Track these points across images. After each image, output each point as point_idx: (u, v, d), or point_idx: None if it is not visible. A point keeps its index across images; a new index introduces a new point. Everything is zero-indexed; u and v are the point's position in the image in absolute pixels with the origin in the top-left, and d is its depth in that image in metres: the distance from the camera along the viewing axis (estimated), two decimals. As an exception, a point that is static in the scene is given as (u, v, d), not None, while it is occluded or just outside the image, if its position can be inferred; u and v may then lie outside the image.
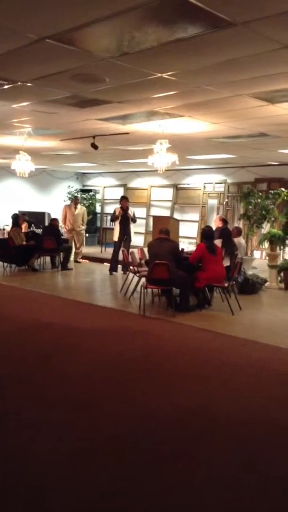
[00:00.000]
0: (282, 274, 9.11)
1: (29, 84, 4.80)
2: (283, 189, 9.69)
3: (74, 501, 2.45)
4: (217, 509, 2.43)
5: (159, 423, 3.36)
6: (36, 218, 13.47)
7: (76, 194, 14.38)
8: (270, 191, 10.31)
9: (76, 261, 11.94)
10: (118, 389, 4.00)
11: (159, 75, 4.31)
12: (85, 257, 12.51)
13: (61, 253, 10.87)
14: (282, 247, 9.52)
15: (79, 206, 12.18)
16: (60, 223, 11.62)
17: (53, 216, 12.27)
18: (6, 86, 4.91)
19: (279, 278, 9.15)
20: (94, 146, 8.04)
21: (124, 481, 2.64)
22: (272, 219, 9.61)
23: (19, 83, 4.76)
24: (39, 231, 11.50)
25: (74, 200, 12.31)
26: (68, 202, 12.95)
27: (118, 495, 2.52)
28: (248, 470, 2.79)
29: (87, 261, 12.42)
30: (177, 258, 6.96)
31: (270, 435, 3.25)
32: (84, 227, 12.31)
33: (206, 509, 2.43)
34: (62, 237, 11.22)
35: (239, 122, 6.48)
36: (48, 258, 11.14)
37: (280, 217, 9.43)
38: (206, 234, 7.36)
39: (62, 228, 11.68)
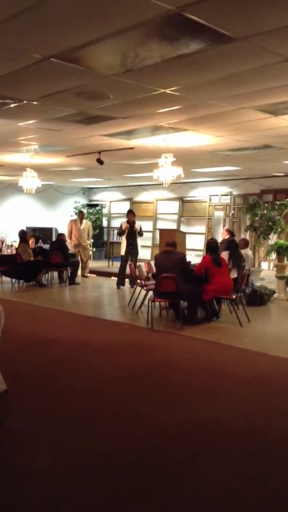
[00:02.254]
0: (290, 285, 9.06)
1: (35, 103, 4.88)
2: (289, 200, 9.71)
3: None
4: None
5: (167, 437, 3.33)
6: (43, 233, 13.55)
7: (81, 209, 14.46)
8: (276, 202, 10.31)
9: (83, 275, 11.96)
10: (125, 403, 3.98)
11: (163, 90, 4.36)
12: (92, 271, 12.53)
13: (69, 268, 10.90)
14: (289, 258, 9.47)
15: (84, 221, 12.24)
16: (66, 238, 11.68)
17: (60, 231, 12.33)
18: (12, 105, 4.99)
19: (287, 289, 9.10)
20: (100, 162, 8.11)
21: (132, 496, 2.61)
22: (279, 230, 9.61)
23: (25, 101, 4.84)
24: (47, 246, 11.56)
25: (80, 215, 12.38)
26: (74, 217, 13.03)
27: (126, 510, 2.49)
28: (257, 483, 2.76)
29: (95, 275, 12.44)
30: (184, 270, 6.95)
31: (279, 449, 3.21)
32: (90, 242, 12.35)
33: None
34: (69, 252, 11.26)
35: (243, 134, 6.52)
36: (55, 273, 11.17)
37: (287, 228, 9.42)
38: (211, 246, 7.36)
39: (69, 243, 11.73)
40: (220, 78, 3.98)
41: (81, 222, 12.04)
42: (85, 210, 14.96)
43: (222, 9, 2.68)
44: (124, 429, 3.46)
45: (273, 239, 9.97)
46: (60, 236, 11.32)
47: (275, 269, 9.50)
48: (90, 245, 12.69)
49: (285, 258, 9.30)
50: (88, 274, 12.21)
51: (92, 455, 3.07)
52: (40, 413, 3.75)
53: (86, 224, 12.18)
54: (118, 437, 3.33)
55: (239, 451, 3.15)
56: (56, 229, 14.45)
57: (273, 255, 9.54)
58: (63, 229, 12.62)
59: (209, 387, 4.39)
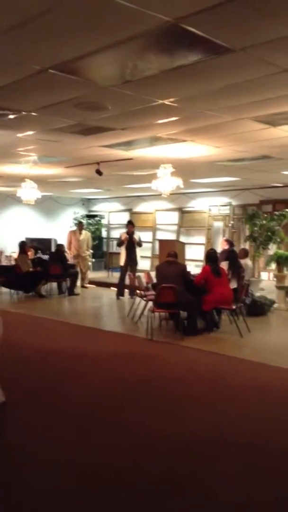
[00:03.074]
0: (290, 295, 9.03)
1: (33, 114, 4.90)
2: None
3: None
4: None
5: (167, 448, 3.29)
6: (42, 244, 13.55)
7: (81, 220, 14.48)
8: (275, 212, 10.32)
9: (83, 286, 11.93)
10: (126, 414, 3.94)
11: (161, 101, 4.38)
12: (91, 282, 12.50)
13: (68, 279, 10.88)
14: (289, 268, 9.46)
15: (83, 231, 12.25)
16: (65, 249, 11.68)
17: (59, 242, 12.33)
18: (11, 116, 5.01)
19: (287, 299, 9.07)
20: (99, 172, 8.13)
21: (132, 508, 2.57)
22: (278, 240, 9.60)
23: (23, 112, 4.86)
24: (46, 257, 11.54)
25: (79, 226, 12.40)
26: (73, 228, 13.04)
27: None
28: (258, 494, 2.71)
29: (94, 286, 12.41)
30: (185, 281, 6.94)
31: (280, 460, 3.17)
32: (89, 253, 12.34)
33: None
34: (68, 262, 11.24)
35: (242, 145, 6.54)
36: (55, 284, 11.14)
37: (286, 238, 9.42)
38: (210, 257, 7.35)
39: (68, 254, 11.73)
40: (218, 89, 4.00)
41: (80, 233, 12.04)
42: (84, 221, 14.97)
43: (219, 20, 2.70)
44: (124, 440, 3.42)
45: (272, 249, 9.97)
46: (59, 247, 11.32)
47: (275, 279, 9.48)
48: (90, 256, 12.68)
49: (285, 268, 9.29)
50: (88, 285, 12.18)
51: (92, 468, 3.03)
52: (39, 424, 3.71)
53: (85, 234, 12.18)
54: (118, 449, 3.28)
55: (240, 463, 3.11)
56: (55, 240, 14.45)
57: (273, 265, 9.53)
58: (62, 240, 12.62)
59: (210, 398, 4.35)
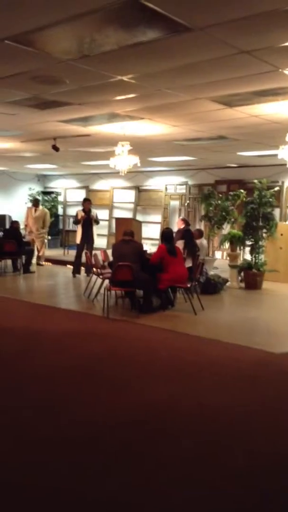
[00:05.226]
0: (242, 273, 9.32)
1: (-13, 85, 4.73)
2: (242, 190, 9.90)
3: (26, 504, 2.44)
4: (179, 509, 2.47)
5: (122, 424, 3.38)
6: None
7: (36, 197, 14.19)
8: (230, 192, 10.51)
9: (38, 264, 11.80)
10: (81, 391, 3.99)
11: (119, 77, 4.33)
12: (47, 259, 12.37)
13: (23, 256, 10.71)
14: (242, 247, 9.73)
15: (40, 208, 12.05)
16: (22, 226, 11.46)
17: (14, 219, 12.07)
18: None
19: (239, 278, 9.34)
20: (55, 148, 7.99)
21: (85, 484, 2.64)
22: (232, 220, 9.81)
23: (-23, 83, 4.68)
24: (0, 234, 11.28)
25: (34, 203, 12.19)
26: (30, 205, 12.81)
27: (78, 498, 2.52)
28: (208, 466, 2.85)
29: (50, 264, 12.29)
30: (141, 259, 7.00)
31: (230, 433, 3.32)
32: (44, 230, 12.15)
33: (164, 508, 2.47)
34: (24, 239, 11.06)
35: (199, 125, 6.59)
36: (9, 261, 10.95)
37: (240, 218, 9.64)
38: (166, 236, 7.43)
39: (24, 231, 11.52)
40: (177, 67, 4.00)
41: (36, 210, 11.84)
42: (40, 198, 14.68)
43: (179, -2, 2.69)
44: (78, 416, 3.47)
45: (226, 229, 10.18)
46: (14, 224, 11.10)
47: (228, 258, 9.72)
48: (46, 233, 12.50)
49: (238, 248, 9.54)
50: (43, 263, 12.05)
51: (51, 442, 3.07)
52: (-7, 402, 3.70)
53: (42, 211, 12.00)
54: (73, 424, 3.34)
55: (191, 436, 3.24)
56: (9, 216, 14.11)
57: (227, 245, 9.76)
58: (17, 216, 12.37)
59: (164, 374, 4.47)
